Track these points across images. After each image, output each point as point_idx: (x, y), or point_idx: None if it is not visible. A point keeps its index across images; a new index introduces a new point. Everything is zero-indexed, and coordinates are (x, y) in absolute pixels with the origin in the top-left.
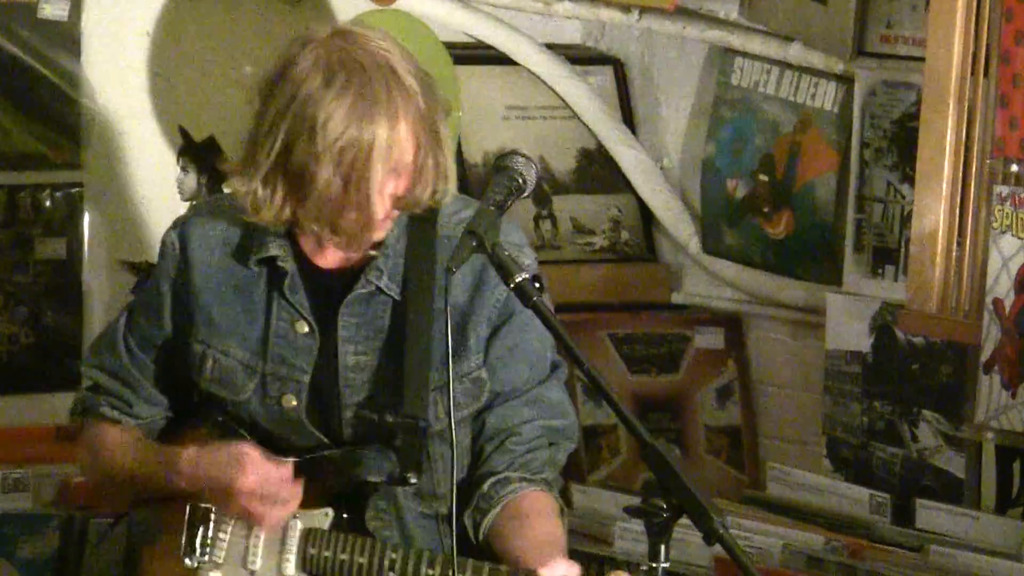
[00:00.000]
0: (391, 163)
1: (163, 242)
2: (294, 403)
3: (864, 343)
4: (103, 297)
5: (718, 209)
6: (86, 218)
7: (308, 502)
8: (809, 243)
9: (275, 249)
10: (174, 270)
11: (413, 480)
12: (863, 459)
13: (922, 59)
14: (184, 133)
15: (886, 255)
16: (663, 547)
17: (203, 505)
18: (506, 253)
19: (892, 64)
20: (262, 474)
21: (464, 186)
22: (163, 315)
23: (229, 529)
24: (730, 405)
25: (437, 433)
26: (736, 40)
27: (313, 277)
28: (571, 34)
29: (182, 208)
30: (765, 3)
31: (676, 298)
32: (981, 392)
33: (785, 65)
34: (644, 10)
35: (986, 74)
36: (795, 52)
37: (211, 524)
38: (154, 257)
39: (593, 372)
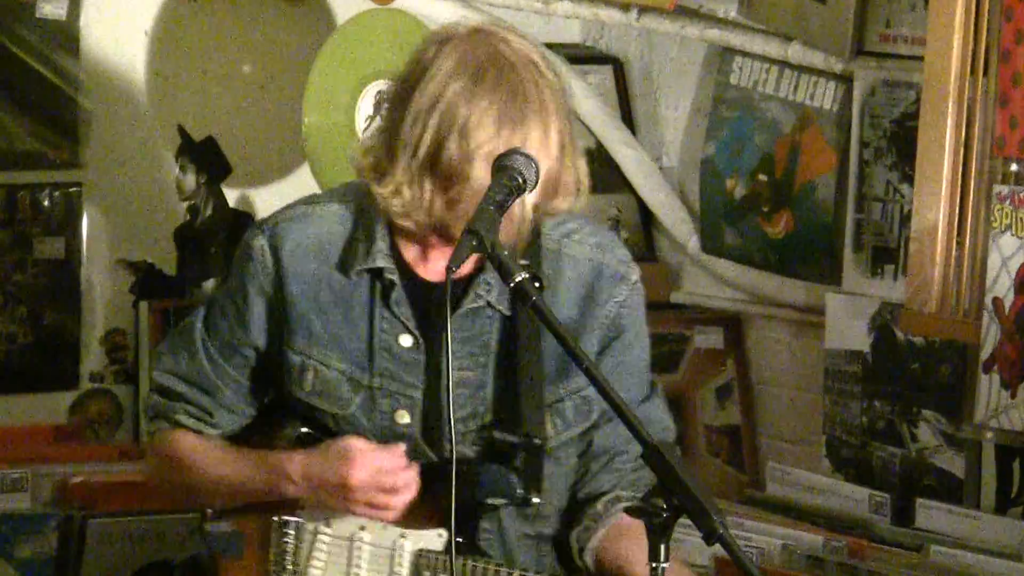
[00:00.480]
0: (544, 164)
1: (250, 246)
2: (407, 419)
3: (864, 343)
4: (102, 296)
5: (717, 208)
6: (85, 217)
7: (417, 521)
8: (809, 243)
9: (381, 260)
10: (265, 277)
11: (536, 500)
12: (863, 459)
13: (921, 58)
14: (183, 133)
15: (886, 255)
16: (663, 547)
17: (290, 518)
18: (506, 254)
19: (891, 63)
20: (375, 464)
21: None
22: (250, 322)
23: (326, 547)
24: (729, 405)
25: (549, 452)
26: (735, 39)
27: (417, 289)
28: (571, 33)
29: (180, 207)
30: (764, 2)
31: (675, 297)
32: (981, 392)
33: (784, 64)
34: (644, 9)
35: (986, 73)
36: (794, 51)
37: (304, 538)
38: (152, 256)
39: (594, 371)
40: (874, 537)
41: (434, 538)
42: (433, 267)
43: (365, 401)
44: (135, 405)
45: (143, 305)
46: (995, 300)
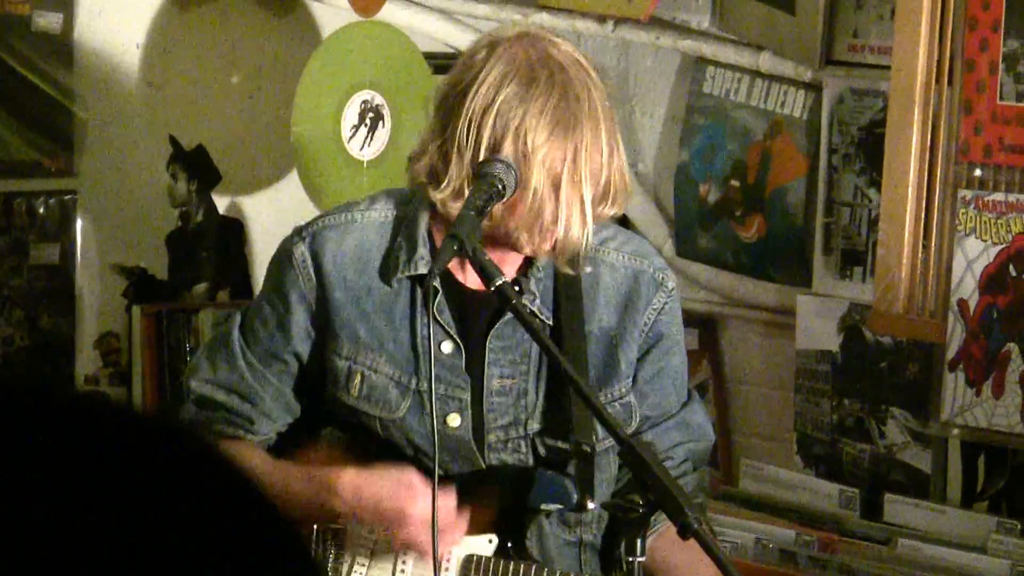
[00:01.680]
0: (594, 167)
1: (289, 253)
2: (459, 422)
3: (833, 343)
4: (96, 300)
5: (692, 213)
6: (79, 224)
7: (466, 526)
8: (780, 246)
9: (423, 267)
10: (307, 284)
11: (592, 506)
12: (833, 455)
13: (888, 67)
14: (174, 142)
15: (854, 257)
16: (639, 541)
17: (333, 526)
18: (487, 258)
19: (859, 72)
20: (430, 505)
21: None
22: (291, 329)
23: (367, 560)
24: (704, 403)
25: (597, 459)
26: (708, 49)
27: (458, 296)
28: None
29: (172, 214)
30: (736, 13)
31: None
32: (946, 390)
33: (756, 73)
34: (619, 20)
35: (950, 82)
36: (765, 61)
37: (346, 549)
38: (144, 261)
39: (570, 371)
40: (844, 531)
41: (483, 544)
42: (472, 274)
43: (415, 405)
44: (128, 407)
45: (136, 309)
46: (960, 301)
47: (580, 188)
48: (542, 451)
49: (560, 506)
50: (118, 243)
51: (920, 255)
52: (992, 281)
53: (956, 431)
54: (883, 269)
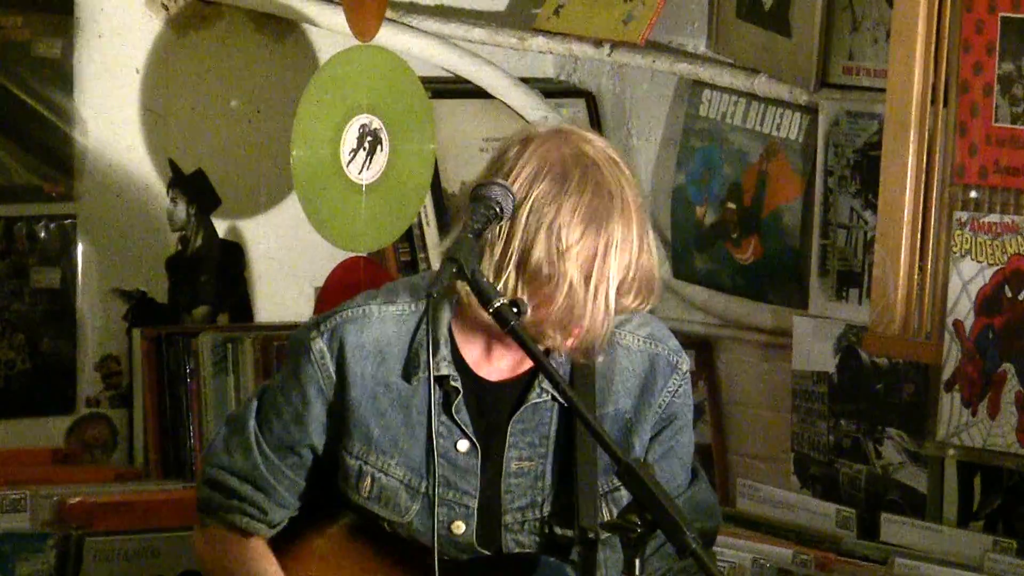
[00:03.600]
0: (623, 262)
1: (308, 347)
2: (463, 529)
3: (830, 364)
4: (96, 323)
5: (688, 235)
6: (79, 248)
7: None
8: (776, 268)
9: (445, 368)
10: (325, 380)
11: None
12: (830, 475)
13: (883, 90)
14: (173, 166)
15: (850, 279)
16: (638, 561)
17: None
18: (485, 280)
19: (855, 95)
20: None
21: (442, 215)
22: (308, 423)
23: None
24: (701, 424)
25: (604, 540)
26: (704, 73)
27: (478, 391)
28: (545, 68)
29: (171, 238)
30: (732, 37)
31: None
32: (943, 410)
33: (751, 96)
34: (615, 44)
35: (945, 104)
36: (761, 84)
37: None
38: (144, 285)
39: (569, 392)
40: (841, 551)
41: None
42: (496, 366)
43: (423, 508)
44: (130, 429)
45: (136, 332)
46: (956, 322)
47: (607, 283)
48: (556, 535)
49: None
50: (118, 267)
51: (916, 276)
52: (988, 302)
53: (952, 451)
54: (879, 290)
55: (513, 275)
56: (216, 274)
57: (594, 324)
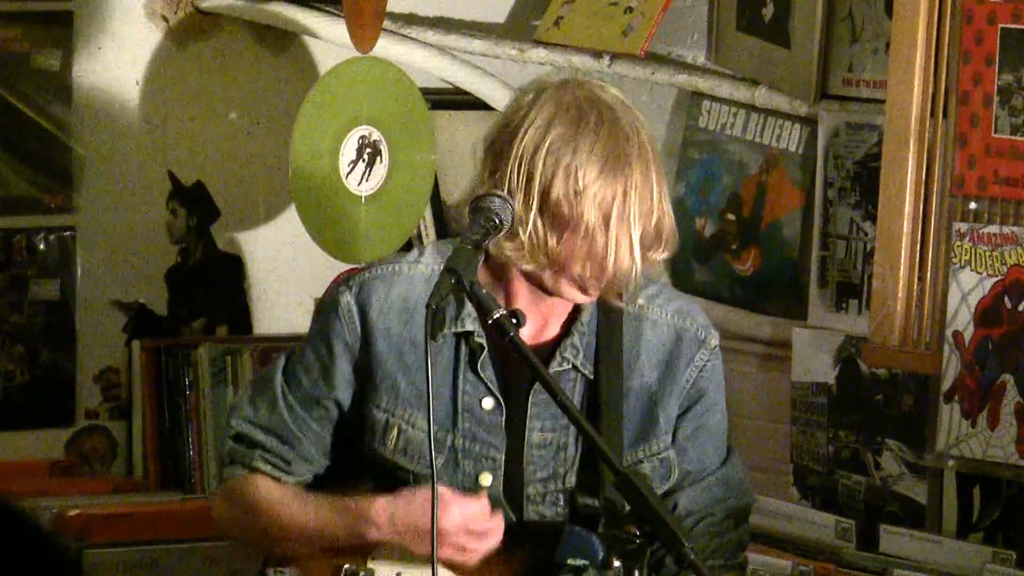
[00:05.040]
0: (645, 206)
1: (335, 302)
2: (490, 481)
3: (829, 375)
4: (96, 335)
5: (688, 247)
6: (79, 260)
7: (492, 571)
8: (775, 279)
9: (470, 324)
10: (350, 334)
11: (617, 564)
12: (829, 486)
13: (883, 101)
14: (173, 178)
15: (849, 290)
16: (636, 572)
17: (360, 569)
18: (484, 292)
19: (854, 106)
20: (464, 511)
21: (441, 226)
22: (333, 376)
23: None
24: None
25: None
26: (704, 84)
27: (504, 352)
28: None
29: (171, 250)
30: (731, 48)
31: None
32: (942, 421)
33: (751, 108)
34: (615, 56)
35: (945, 115)
36: (761, 95)
37: None
38: (144, 297)
39: (567, 403)
40: (840, 562)
41: None
42: (525, 330)
43: (449, 461)
44: (129, 440)
45: (135, 344)
46: (955, 333)
47: (630, 226)
48: (579, 506)
49: (586, 562)
50: (117, 279)
51: (915, 288)
52: (987, 313)
53: (951, 462)
54: (878, 302)
55: (539, 221)
56: (215, 286)
57: (621, 265)
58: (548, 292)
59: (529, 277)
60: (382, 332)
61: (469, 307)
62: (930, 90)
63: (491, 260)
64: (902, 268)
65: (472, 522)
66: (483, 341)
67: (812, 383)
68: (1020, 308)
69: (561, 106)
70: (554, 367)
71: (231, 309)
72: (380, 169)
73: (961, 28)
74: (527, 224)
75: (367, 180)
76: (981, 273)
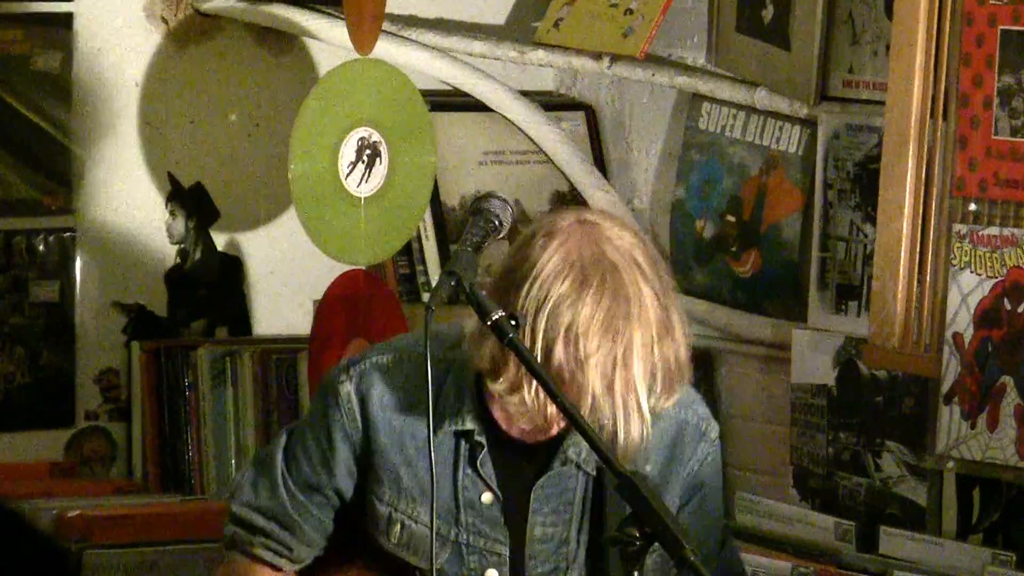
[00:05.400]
0: (644, 365)
1: (336, 392)
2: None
3: (829, 377)
4: (95, 337)
5: (688, 249)
6: (78, 261)
7: None
8: (775, 281)
9: (471, 422)
10: (351, 424)
11: None
12: (829, 488)
13: (883, 103)
14: (172, 179)
15: (849, 292)
16: (636, 574)
17: None
18: (483, 294)
19: (854, 108)
20: None
21: (441, 228)
22: (334, 466)
23: None
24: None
25: None
26: (704, 86)
27: (502, 447)
28: (545, 81)
29: (170, 251)
30: (732, 50)
31: None
32: (942, 423)
33: (751, 110)
34: (615, 57)
35: (945, 117)
36: (761, 97)
37: None
38: (143, 298)
39: (569, 408)
40: (840, 564)
41: None
42: (519, 426)
43: (454, 556)
44: (128, 442)
45: (135, 345)
46: (955, 335)
47: (635, 391)
48: None
49: None
50: (117, 280)
51: (915, 289)
52: (987, 315)
53: (951, 464)
54: (878, 303)
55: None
56: (215, 287)
57: (630, 432)
58: None
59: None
60: (384, 424)
61: (469, 403)
62: (930, 92)
63: None
64: (902, 270)
65: None
66: (482, 439)
67: (812, 385)
68: (1020, 310)
69: (567, 262)
70: (557, 466)
71: (231, 310)
72: (380, 171)
73: (961, 30)
74: (526, 381)
75: (367, 182)
76: (981, 275)
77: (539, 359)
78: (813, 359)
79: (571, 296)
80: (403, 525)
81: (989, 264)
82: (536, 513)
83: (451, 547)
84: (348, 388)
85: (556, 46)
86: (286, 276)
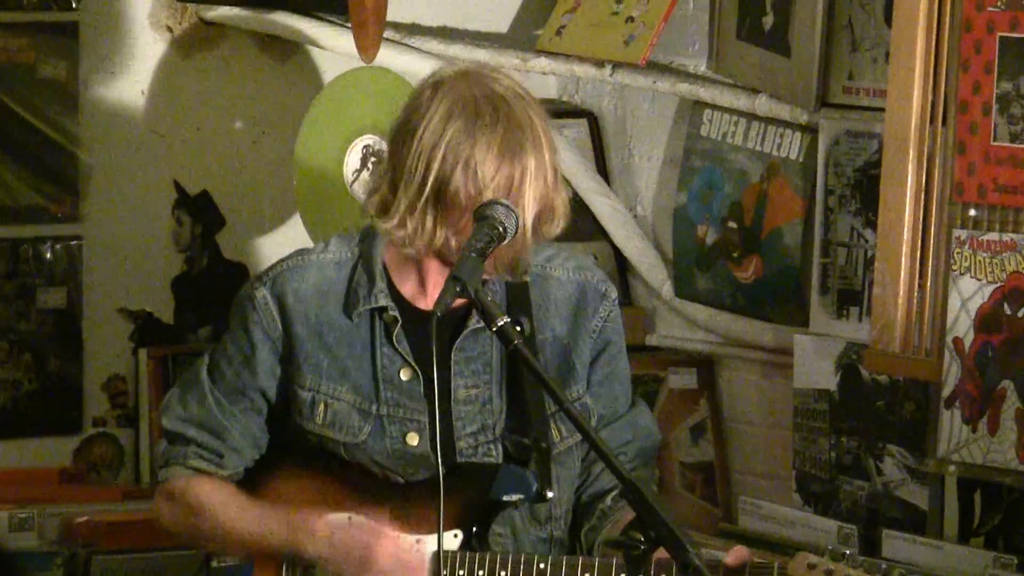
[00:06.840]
0: (539, 191)
1: (252, 297)
2: (417, 440)
3: (831, 382)
4: (102, 344)
5: (690, 255)
6: (85, 268)
7: (431, 524)
8: (777, 286)
9: (383, 299)
10: (270, 323)
11: (551, 495)
12: (831, 492)
13: (883, 109)
14: (178, 187)
15: (851, 297)
16: None
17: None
18: (488, 298)
19: (854, 114)
20: (398, 554)
21: None
22: (256, 366)
23: None
24: (703, 442)
25: (555, 456)
26: (705, 93)
27: (416, 321)
28: (547, 89)
29: (177, 258)
30: (733, 58)
31: (650, 340)
32: (943, 427)
33: (752, 116)
34: (617, 65)
35: (944, 123)
36: (761, 104)
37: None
38: (150, 305)
39: (573, 411)
40: None
41: (449, 539)
42: (432, 297)
43: (376, 429)
44: (136, 448)
45: (142, 352)
46: (956, 340)
47: (525, 210)
48: (511, 449)
49: (521, 496)
50: (124, 287)
51: (916, 294)
52: (987, 319)
53: (952, 468)
54: (879, 308)
55: (431, 211)
56: (221, 294)
57: (518, 246)
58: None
59: (439, 253)
60: (300, 317)
61: (380, 284)
62: (929, 98)
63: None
64: (902, 275)
65: (404, 553)
66: (396, 315)
67: (814, 390)
68: (1020, 314)
69: (458, 102)
70: (471, 326)
71: None
72: None
73: (960, 36)
74: (415, 214)
75: None
76: (981, 280)
77: (433, 192)
78: (815, 364)
79: (466, 130)
80: (326, 405)
81: (989, 269)
82: (458, 376)
83: (373, 420)
84: (264, 292)
85: (558, 54)
86: None
